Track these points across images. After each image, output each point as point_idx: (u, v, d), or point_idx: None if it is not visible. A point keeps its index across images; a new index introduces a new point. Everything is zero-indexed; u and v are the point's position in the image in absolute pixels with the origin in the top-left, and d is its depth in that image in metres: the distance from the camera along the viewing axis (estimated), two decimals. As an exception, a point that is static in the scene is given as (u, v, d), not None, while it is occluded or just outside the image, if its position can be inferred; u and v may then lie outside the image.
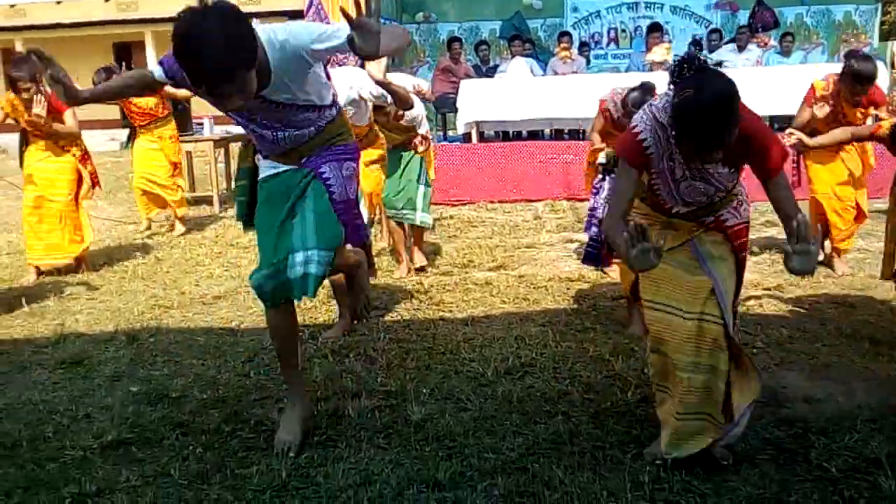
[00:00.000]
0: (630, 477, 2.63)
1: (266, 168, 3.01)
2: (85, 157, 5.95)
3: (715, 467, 2.67)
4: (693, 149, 2.42)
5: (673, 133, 2.45)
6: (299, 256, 2.84)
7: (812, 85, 5.08)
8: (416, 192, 5.35)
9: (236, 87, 2.42)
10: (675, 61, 2.52)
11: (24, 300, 5.14)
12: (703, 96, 2.32)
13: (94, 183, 6.08)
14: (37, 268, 5.85)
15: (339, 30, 2.60)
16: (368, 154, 4.96)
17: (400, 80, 5.15)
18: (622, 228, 2.40)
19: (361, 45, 2.48)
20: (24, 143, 5.84)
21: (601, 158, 4.46)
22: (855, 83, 4.76)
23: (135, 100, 7.07)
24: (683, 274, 2.66)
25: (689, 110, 2.35)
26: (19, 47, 19.99)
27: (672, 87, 2.47)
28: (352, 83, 4.54)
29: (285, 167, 2.95)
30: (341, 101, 4.05)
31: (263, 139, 2.90)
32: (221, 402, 3.39)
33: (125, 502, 2.60)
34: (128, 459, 2.92)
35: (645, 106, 2.61)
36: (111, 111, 7.08)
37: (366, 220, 4.60)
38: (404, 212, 5.37)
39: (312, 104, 2.85)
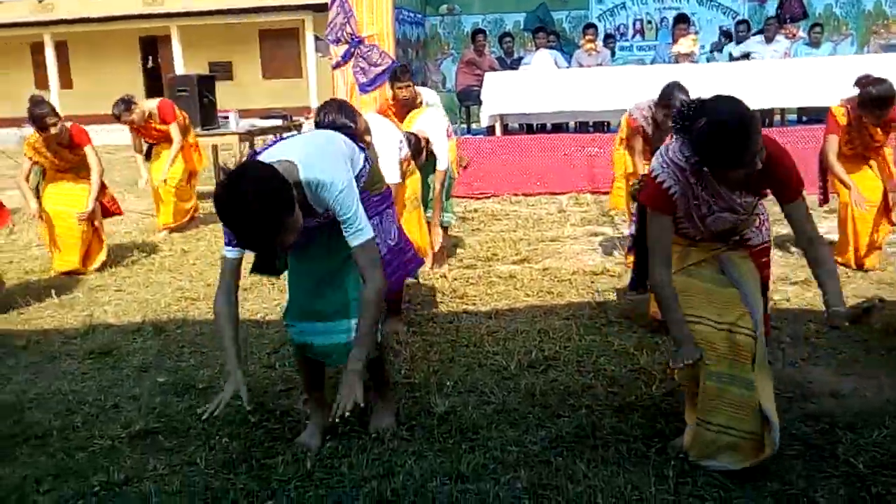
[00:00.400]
0: (654, 471, 2.63)
1: None
2: (103, 188, 6.10)
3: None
4: (731, 169, 2.45)
5: (699, 168, 2.51)
6: (348, 324, 2.82)
7: (831, 112, 5.04)
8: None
9: (284, 235, 2.44)
10: (674, 116, 2.56)
11: (53, 292, 5.23)
12: (718, 117, 2.39)
13: (114, 211, 6.37)
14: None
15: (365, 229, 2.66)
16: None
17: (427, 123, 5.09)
18: (669, 280, 2.58)
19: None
20: (42, 177, 5.97)
21: (635, 186, 4.36)
22: (875, 108, 4.74)
23: (156, 125, 7.15)
24: (713, 286, 2.67)
25: (713, 133, 2.39)
26: (47, 41, 20.27)
27: (681, 134, 2.52)
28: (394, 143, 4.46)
29: None
30: (389, 154, 4.18)
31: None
32: (247, 393, 3.41)
33: (153, 491, 2.63)
34: (155, 448, 2.96)
35: (659, 153, 2.67)
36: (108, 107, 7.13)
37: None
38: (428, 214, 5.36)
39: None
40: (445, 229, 5.64)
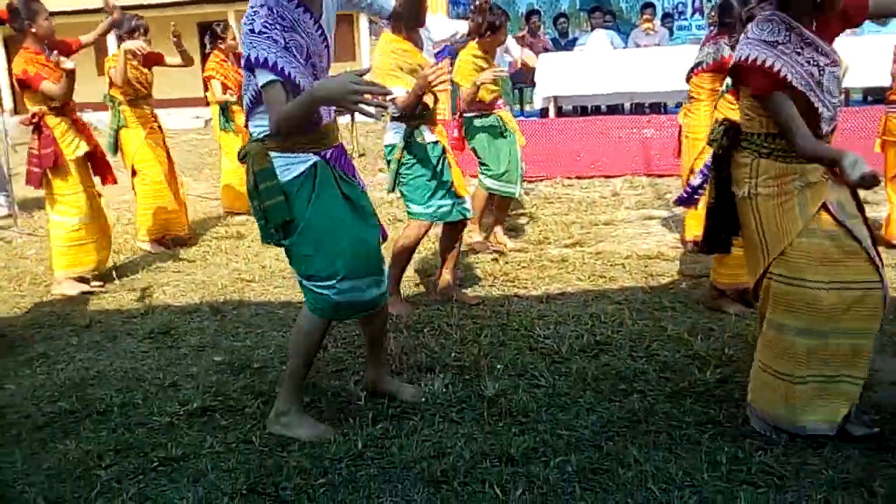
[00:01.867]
0: (707, 457, 2.59)
1: (297, 162, 2.76)
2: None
3: (795, 448, 2.60)
4: None
5: (786, 25, 2.56)
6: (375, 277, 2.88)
7: None
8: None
9: None
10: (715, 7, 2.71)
11: (114, 273, 5.38)
12: None
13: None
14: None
15: None
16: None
17: (441, 25, 4.70)
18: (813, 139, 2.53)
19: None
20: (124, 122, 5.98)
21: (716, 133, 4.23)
22: None
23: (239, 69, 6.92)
24: (833, 249, 2.62)
25: None
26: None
27: (738, 21, 2.76)
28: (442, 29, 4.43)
29: (310, 160, 2.79)
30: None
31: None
32: (300, 374, 3.47)
33: (209, 467, 2.70)
34: (212, 426, 3.03)
35: (740, 45, 2.66)
36: (196, 89, 7.12)
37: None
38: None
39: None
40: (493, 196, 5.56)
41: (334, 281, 2.78)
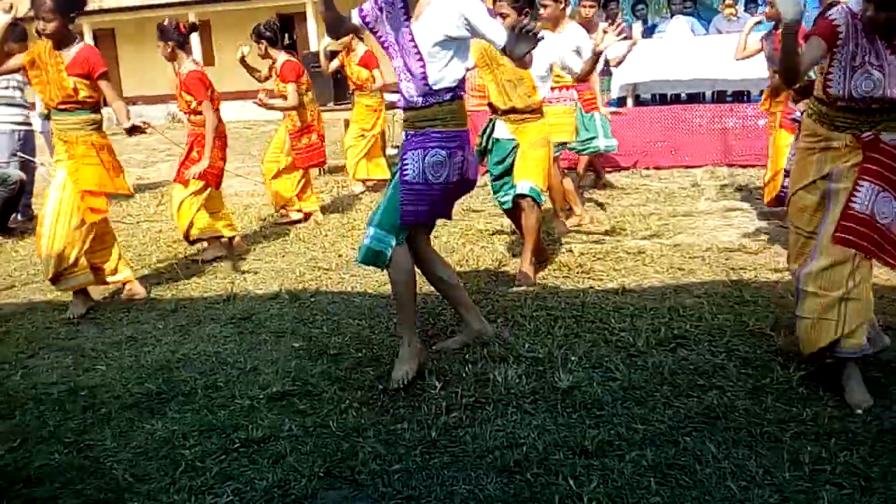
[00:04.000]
0: (789, 456, 2.52)
1: None
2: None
3: (883, 448, 2.51)
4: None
5: (869, 18, 2.78)
6: (370, 230, 3.35)
7: None
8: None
9: None
10: None
11: (200, 260, 5.56)
12: None
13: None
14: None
15: (501, 30, 3.26)
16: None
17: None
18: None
19: (512, 52, 3.19)
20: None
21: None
22: None
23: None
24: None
25: None
26: (192, 18, 21.35)
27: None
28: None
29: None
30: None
31: (401, 86, 3.34)
32: (376, 361, 3.53)
33: (287, 450, 2.77)
34: (290, 410, 3.11)
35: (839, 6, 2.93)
36: (253, 82, 7.17)
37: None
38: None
39: (424, 71, 3.22)
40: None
41: None
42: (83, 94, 4.37)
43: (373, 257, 3.34)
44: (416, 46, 3.23)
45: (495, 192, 4.74)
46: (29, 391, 3.46)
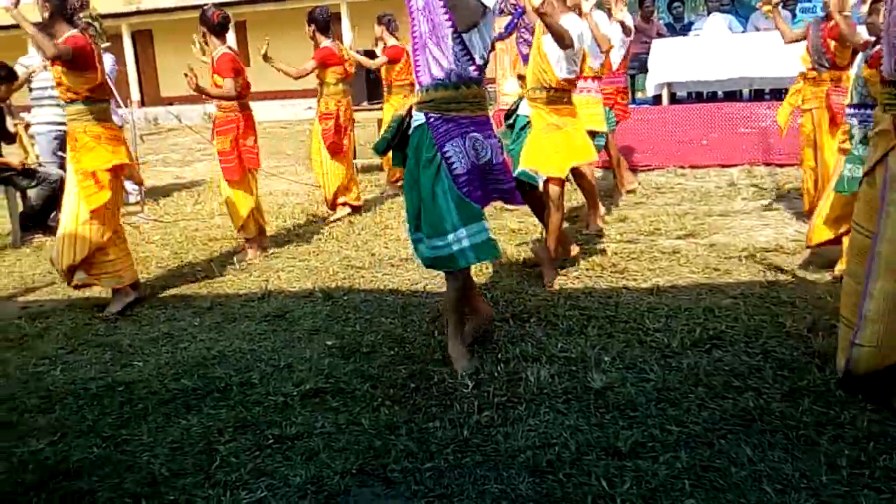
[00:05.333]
0: (826, 459, 2.48)
1: (413, 120, 3.39)
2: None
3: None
4: None
5: None
6: (455, 236, 3.28)
7: None
8: None
9: None
10: None
11: (234, 258, 5.62)
12: None
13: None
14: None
15: None
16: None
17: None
18: None
19: None
20: None
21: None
22: None
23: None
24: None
25: None
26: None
27: None
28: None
29: (419, 120, 3.34)
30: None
31: (422, 63, 3.30)
32: (408, 359, 3.54)
33: (320, 446, 2.79)
34: (323, 407, 3.13)
35: None
36: (309, 81, 7.27)
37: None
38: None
39: (466, 47, 3.21)
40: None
41: None
42: (67, 81, 4.43)
43: (448, 261, 3.33)
44: (448, 16, 3.17)
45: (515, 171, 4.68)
46: (68, 386, 3.53)
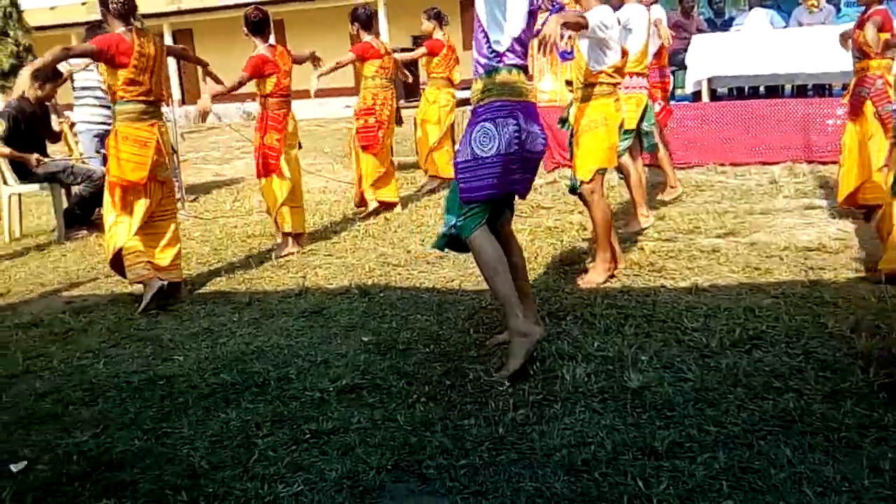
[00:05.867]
0: (868, 462, 2.43)
1: None
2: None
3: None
4: None
5: None
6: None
7: None
8: None
9: None
10: None
11: (272, 254, 5.68)
12: None
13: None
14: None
15: None
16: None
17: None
18: None
19: None
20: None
21: None
22: None
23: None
24: None
25: None
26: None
27: None
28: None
29: None
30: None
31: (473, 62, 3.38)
32: (443, 356, 3.55)
33: (356, 442, 2.81)
34: (359, 403, 3.15)
35: None
36: (347, 79, 7.34)
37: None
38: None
39: (484, 31, 3.28)
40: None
41: None
42: (112, 81, 4.56)
43: (438, 239, 3.45)
44: (477, 15, 3.30)
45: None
46: (111, 380, 3.61)
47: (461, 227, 3.33)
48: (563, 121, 4.74)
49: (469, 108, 3.55)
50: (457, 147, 3.40)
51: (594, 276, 4.48)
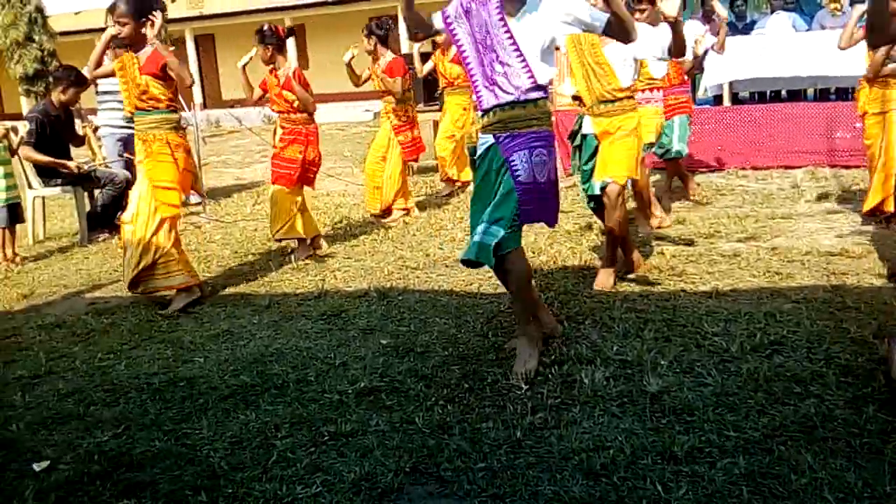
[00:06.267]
0: (891, 468, 2.40)
1: (480, 144, 3.48)
2: None
3: None
4: None
5: None
6: (480, 227, 3.32)
7: None
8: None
9: None
10: None
11: (291, 257, 5.71)
12: None
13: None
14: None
15: (600, 14, 3.30)
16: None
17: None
18: None
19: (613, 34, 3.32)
20: None
21: None
22: None
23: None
24: None
25: None
26: (287, 23, 21.99)
27: None
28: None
29: (488, 142, 3.41)
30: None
31: (484, 87, 3.35)
32: (462, 360, 3.55)
33: (375, 444, 2.82)
34: (378, 406, 3.16)
35: None
36: (367, 84, 7.38)
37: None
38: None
39: (528, 68, 3.28)
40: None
41: None
42: (156, 91, 4.62)
43: (483, 251, 3.31)
44: (514, 44, 3.26)
45: (585, 190, 4.72)
46: (132, 381, 3.64)
47: (506, 240, 3.31)
48: (574, 135, 4.70)
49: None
50: (513, 167, 3.32)
51: (606, 280, 4.46)
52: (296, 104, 5.66)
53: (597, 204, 4.62)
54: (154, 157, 4.66)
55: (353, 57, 6.85)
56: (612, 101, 4.40)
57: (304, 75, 5.78)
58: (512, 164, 3.32)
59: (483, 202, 3.41)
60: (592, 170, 4.57)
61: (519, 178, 3.31)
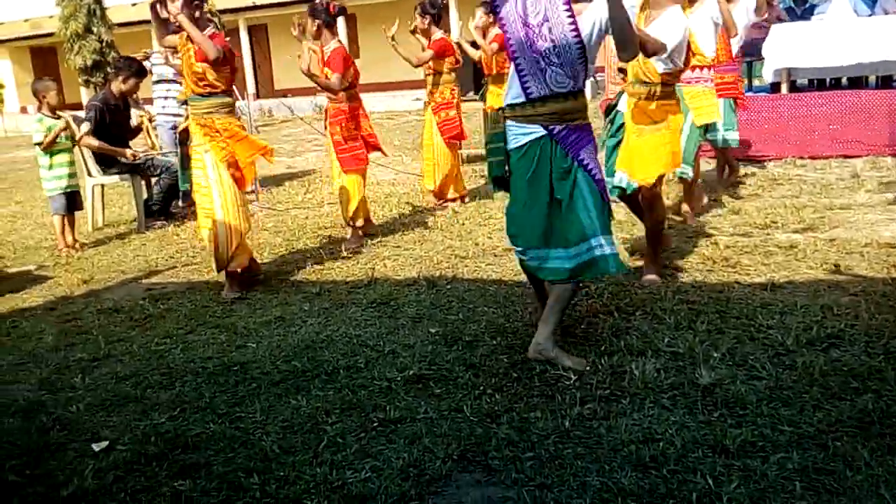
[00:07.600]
0: (953, 469, 2.33)
1: (519, 135, 3.36)
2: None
3: None
4: None
5: None
6: (596, 241, 3.30)
7: None
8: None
9: None
10: None
11: (342, 245, 5.76)
12: None
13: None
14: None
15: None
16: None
17: None
18: None
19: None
20: None
21: None
22: None
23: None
24: None
25: None
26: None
27: None
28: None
29: (536, 133, 3.30)
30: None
31: (533, 75, 3.25)
32: (510, 349, 3.55)
33: (423, 431, 2.84)
34: (426, 393, 3.18)
35: None
36: (417, 72, 7.38)
37: None
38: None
39: (584, 58, 3.24)
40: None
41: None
42: (211, 77, 4.67)
43: (617, 260, 3.34)
44: (577, 33, 3.20)
45: (606, 168, 4.44)
46: (188, 365, 3.73)
47: (606, 259, 3.34)
48: (610, 109, 4.63)
49: None
50: (587, 165, 3.32)
51: (653, 276, 4.38)
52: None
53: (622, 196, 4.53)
54: (222, 139, 4.72)
55: (393, 34, 6.79)
56: (647, 84, 4.21)
57: (350, 56, 5.80)
58: (583, 162, 3.30)
59: (540, 199, 3.34)
60: (615, 148, 4.48)
61: (596, 177, 3.33)
